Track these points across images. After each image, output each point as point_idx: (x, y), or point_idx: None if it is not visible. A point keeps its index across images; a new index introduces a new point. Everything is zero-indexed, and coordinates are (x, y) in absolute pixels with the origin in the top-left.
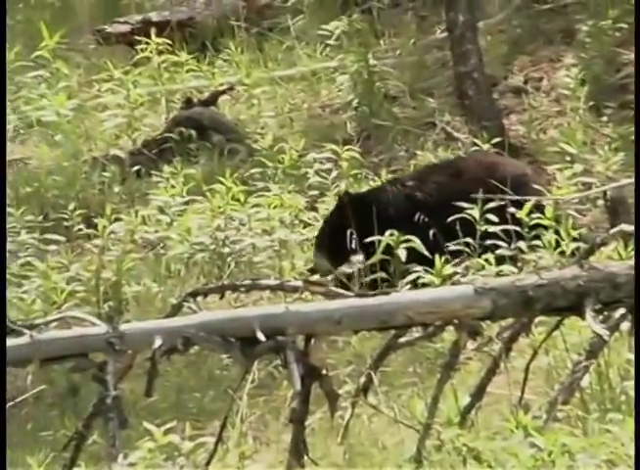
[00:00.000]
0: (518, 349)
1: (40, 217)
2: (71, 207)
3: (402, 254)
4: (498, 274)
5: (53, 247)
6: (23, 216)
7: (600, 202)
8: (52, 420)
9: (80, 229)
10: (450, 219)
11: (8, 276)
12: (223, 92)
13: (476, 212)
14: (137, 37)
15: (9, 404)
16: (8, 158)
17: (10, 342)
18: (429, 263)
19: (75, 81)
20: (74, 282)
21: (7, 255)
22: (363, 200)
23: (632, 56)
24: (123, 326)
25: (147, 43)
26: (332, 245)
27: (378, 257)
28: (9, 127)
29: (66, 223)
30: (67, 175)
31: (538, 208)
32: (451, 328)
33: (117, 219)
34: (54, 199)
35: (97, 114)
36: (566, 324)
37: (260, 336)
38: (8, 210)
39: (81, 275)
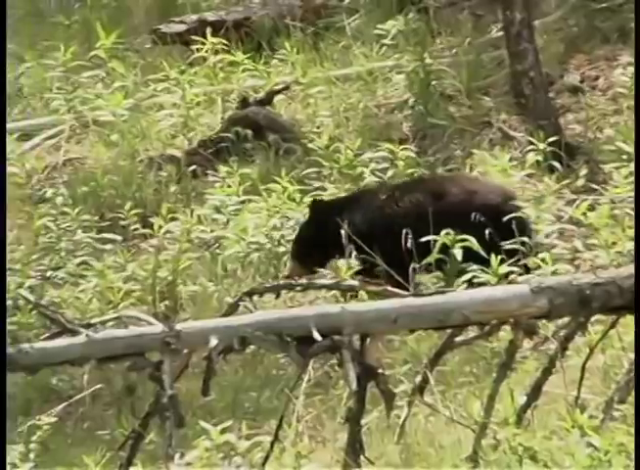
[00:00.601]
0: (574, 348)
1: (96, 217)
2: (128, 206)
3: (458, 253)
4: (554, 273)
5: (109, 246)
6: (80, 216)
7: None
8: (108, 419)
9: (136, 229)
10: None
11: (65, 275)
12: (279, 92)
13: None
14: (193, 37)
15: (66, 403)
16: (65, 157)
17: (66, 341)
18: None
19: (131, 81)
20: (131, 281)
21: (62, 254)
22: (333, 208)
23: None
24: (179, 325)
25: (203, 43)
26: (305, 252)
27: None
28: (65, 127)
29: (122, 223)
30: (123, 175)
31: (523, 233)
32: (507, 327)
33: (173, 219)
34: (110, 198)
35: (153, 113)
36: (622, 323)
37: (316, 335)
38: (65, 209)
39: (137, 274)
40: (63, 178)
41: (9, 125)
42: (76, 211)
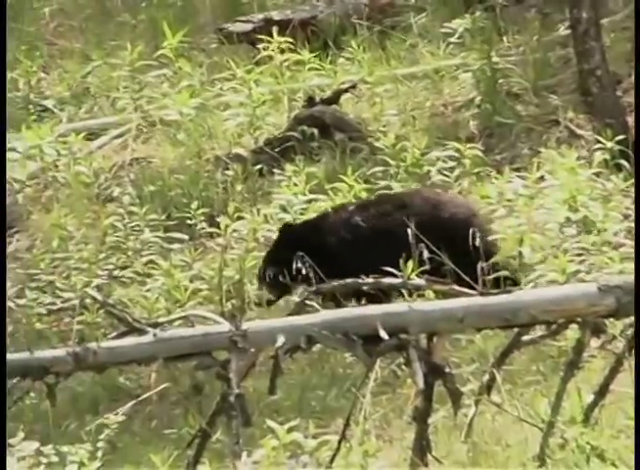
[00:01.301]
0: None
1: (163, 216)
2: (194, 205)
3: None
4: (621, 272)
5: (176, 245)
6: (147, 215)
7: None
8: (176, 418)
9: (203, 228)
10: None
11: (133, 274)
12: (345, 90)
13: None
14: (259, 36)
15: (133, 402)
16: (132, 156)
17: (134, 340)
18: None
19: (198, 80)
20: (198, 280)
21: (130, 253)
22: (303, 230)
23: None
24: (246, 324)
25: (269, 42)
26: (273, 276)
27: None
28: (132, 126)
29: (189, 222)
30: (189, 174)
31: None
32: (575, 326)
33: (240, 218)
34: (177, 197)
35: (219, 112)
36: None
37: (383, 334)
38: (132, 208)
39: (204, 274)
40: (130, 177)
41: (76, 124)
42: (143, 210)
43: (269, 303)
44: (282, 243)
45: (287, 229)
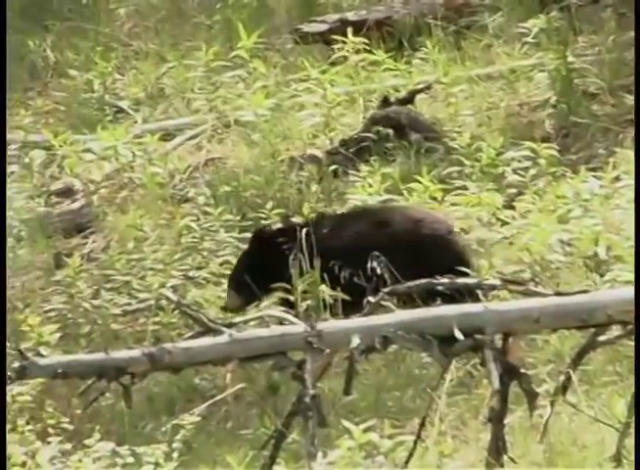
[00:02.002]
0: None
1: (238, 217)
2: (269, 206)
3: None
4: None
5: None
6: (222, 216)
7: None
8: (251, 418)
9: None
10: None
11: (208, 275)
12: (421, 91)
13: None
14: (334, 36)
15: (209, 403)
16: (207, 157)
17: (209, 340)
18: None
19: (273, 81)
20: None
21: (205, 253)
22: (276, 237)
23: None
24: (321, 325)
25: (344, 42)
26: (243, 282)
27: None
28: (207, 127)
29: (264, 222)
30: (264, 174)
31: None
32: None
33: None
34: (252, 198)
35: (294, 113)
36: None
37: (459, 335)
38: (207, 209)
39: None
40: (205, 178)
41: (151, 125)
42: (218, 210)
43: (236, 309)
44: (252, 249)
45: (260, 233)
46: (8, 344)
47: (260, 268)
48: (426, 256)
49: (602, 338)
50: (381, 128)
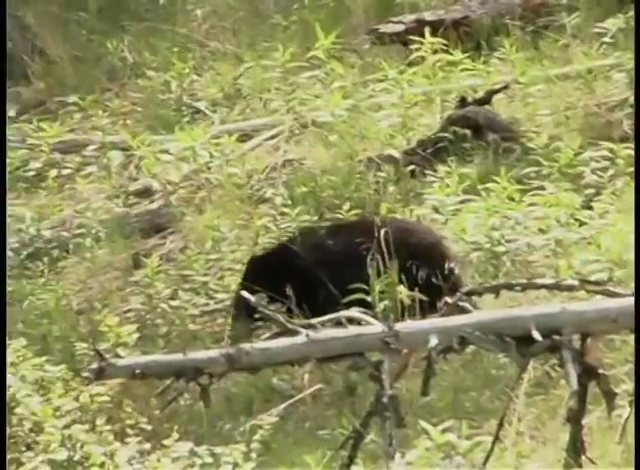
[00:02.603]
0: None
1: (316, 217)
2: (347, 206)
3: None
4: None
5: None
6: (299, 216)
7: None
8: (329, 419)
9: None
10: None
11: None
12: (498, 91)
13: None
14: (411, 37)
15: (287, 403)
16: (284, 157)
17: (287, 341)
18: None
19: (350, 81)
20: None
21: None
22: (271, 259)
23: None
24: (399, 325)
25: (421, 42)
26: (246, 311)
27: None
28: (284, 128)
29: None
30: (341, 175)
31: (449, 274)
32: None
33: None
34: (329, 199)
35: (371, 113)
36: None
37: (536, 335)
38: (284, 209)
39: None
40: (282, 179)
41: (229, 126)
42: (296, 211)
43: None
44: (251, 275)
45: (254, 260)
46: (86, 344)
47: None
48: (415, 264)
49: None
50: (458, 129)
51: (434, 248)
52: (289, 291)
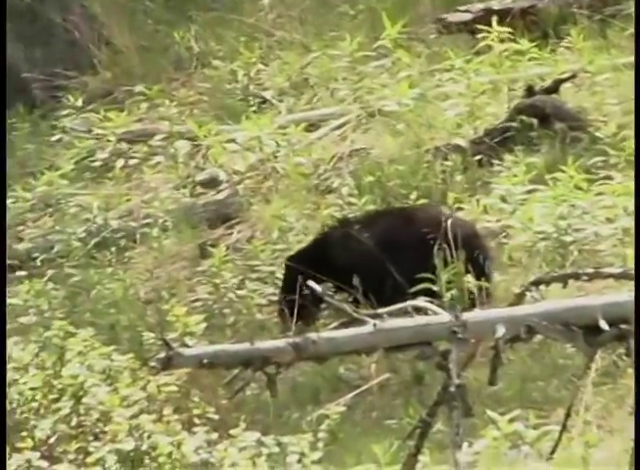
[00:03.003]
0: None
1: (382, 207)
2: (414, 196)
3: None
4: None
5: None
6: (366, 206)
7: None
8: (396, 408)
9: None
10: None
11: None
12: (566, 79)
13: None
14: (478, 26)
15: (354, 393)
16: (351, 147)
17: (354, 330)
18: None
19: (417, 71)
20: None
21: None
22: (307, 255)
23: None
24: (466, 315)
25: (488, 31)
26: (291, 313)
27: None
28: (351, 117)
29: None
30: (409, 164)
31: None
32: None
33: (460, 209)
34: (396, 188)
35: (438, 103)
36: None
37: (603, 325)
38: (350, 199)
39: None
40: (349, 168)
41: (296, 116)
42: (362, 200)
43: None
44: (291, 274)
45: (291, 259)
46: (153, 334)
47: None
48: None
49: None
50: (525, 118)
51: (468, 241)
52: (355, 281)
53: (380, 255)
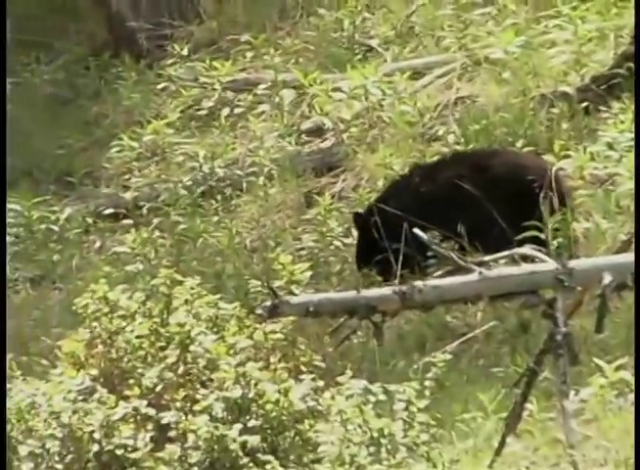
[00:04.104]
0: None
1: None
2: (520, 144)
3: None
4: None
5: None
6: None
7: None
8: (502, 356)
9: None
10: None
11: None
12: None
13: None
14: None
15: (460, 341)
16: (456, 95)
17: (459, 279)
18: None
19: (523, 18)
20: None
21: None
22: (376, 211)
23: None
24: (572, 263)
25: None
26: (371, 259)
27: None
28: (456, 65)
29: None
30: (514, 112)
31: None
32: None
33: (566, 156)
34: (502, 136)
35: (544, 50)
36: None
37: None
38: (456, 147)
39: None
40: (454, 116)
41: (401, 64)
42: (468, 149)
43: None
44: (364, 231)
45: (359, 217)
46: (259, 282)
47: (378, 246)
48: (528, 199)
49: None
50: (632, 65)
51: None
52: (460, 228)
53: (486, 202)
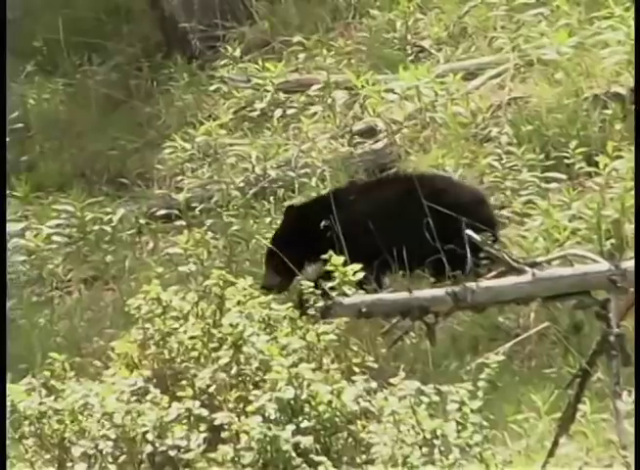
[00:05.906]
0: None
1: (541, 156)
2: (573, 145)
3: None
4: None
5: (554, 185)
6: (525, 155)
7: None
8: (555, 357)
9: (581, 167)
10: None
11: (510, 214)
12: None
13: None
14: None
15: (513, 342)
16: (509, 96)
17: (512, 280)
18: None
19: (576, 19)
20: (576, 220)
21: (507, 193)
22: (308, 211)
23: None
24: (625, 264)
25: None
26: (279, 260)
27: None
28: (509, 66)
29: (567, 161)
30: (567, 113)
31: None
32: None
33: (619, 157)
34: (555, 137)
35: (597, 51)
36: None
37: None
38: (509, 148)
39: (583, 213)
40: (507, 117)
41: (454, 65)
42: (521, 150)
43: (280, 288)
44: (289, 225)
45: (291, 211)
46: (311, 283)
47: (295, 244)
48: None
49: None
50: None
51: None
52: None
53: (414, 219)
